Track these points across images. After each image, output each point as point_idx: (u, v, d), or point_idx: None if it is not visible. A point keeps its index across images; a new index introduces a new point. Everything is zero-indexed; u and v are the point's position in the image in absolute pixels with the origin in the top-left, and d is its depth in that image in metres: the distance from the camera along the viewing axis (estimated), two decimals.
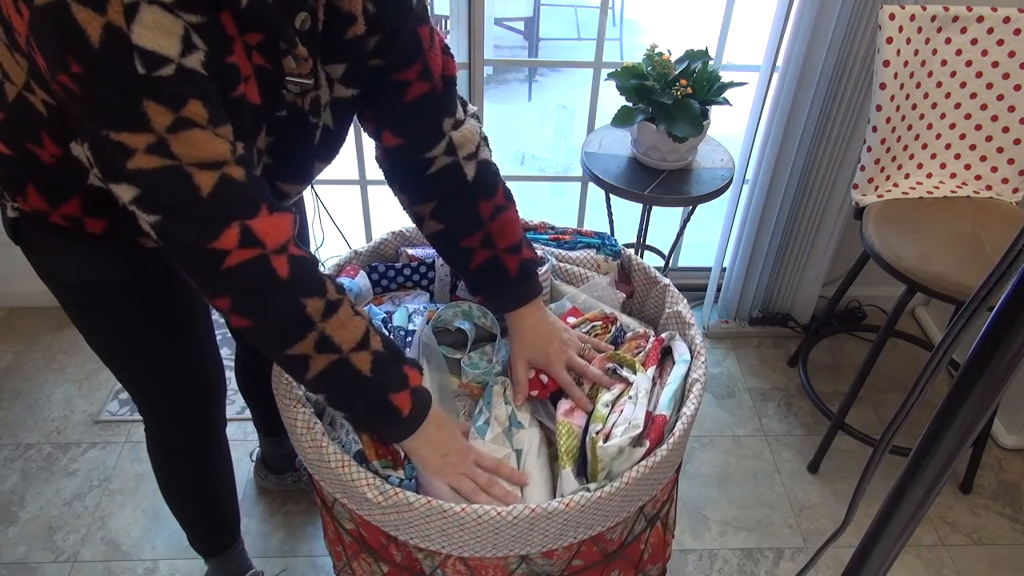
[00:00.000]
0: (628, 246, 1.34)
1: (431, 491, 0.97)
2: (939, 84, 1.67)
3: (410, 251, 1.30)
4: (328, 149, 1.03)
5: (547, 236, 1.32)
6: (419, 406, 0.96)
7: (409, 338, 1.13)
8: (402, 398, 0.94)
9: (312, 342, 0.87)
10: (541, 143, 3.79)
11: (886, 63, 1.55)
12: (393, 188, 1.14)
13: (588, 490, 0.93)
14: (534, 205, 3.28)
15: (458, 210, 1.07)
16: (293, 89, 0.90)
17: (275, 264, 0.83)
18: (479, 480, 0.98)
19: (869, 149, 1.65)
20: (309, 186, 1.08)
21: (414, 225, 1.31)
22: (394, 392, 0.93)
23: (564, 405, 1.05)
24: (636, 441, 0.96)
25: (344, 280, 1.21)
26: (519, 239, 1.09)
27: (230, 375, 1.53)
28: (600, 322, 1.15)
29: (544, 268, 1.20)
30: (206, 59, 0.76)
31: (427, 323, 1.16)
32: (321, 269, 0.92)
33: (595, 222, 2.14)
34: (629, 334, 1.17)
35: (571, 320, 1.15)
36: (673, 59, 1.76)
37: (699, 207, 1.91)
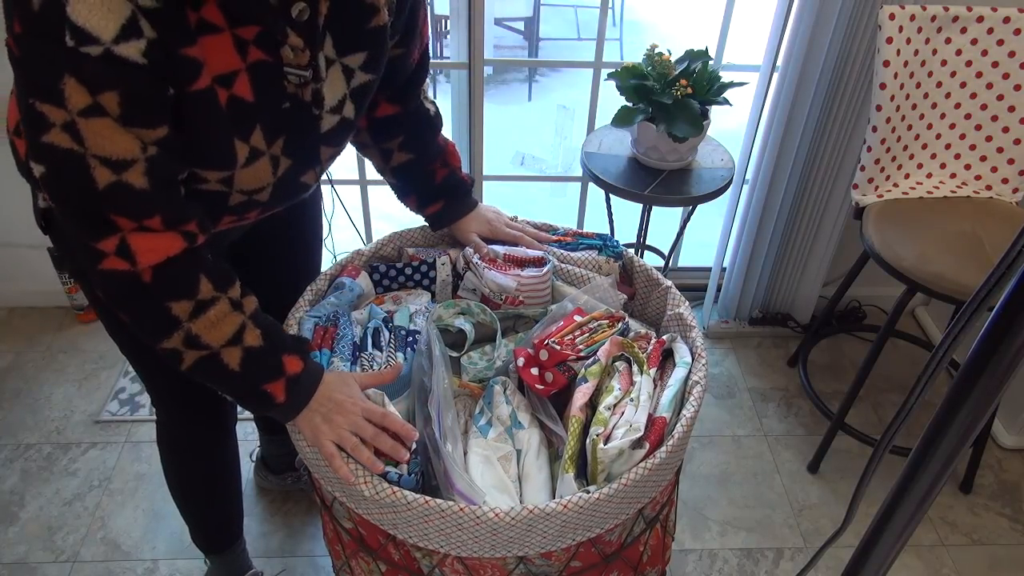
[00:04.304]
0: (628, 246, 1.34)
1: (313, 444, 0.98)
2: (939, 84, 1.67)
3: (411, 250, 1.30)
4: (341, 137, 1.03)
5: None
6: (296, 392, 0.97)
7: (411, 337, 1.13)
8: (276, 387, 0.96)
9: (180, 340, 0.90)
10: (541, 143, 3.79)
11: (886, 63, 1.55)
12: (357, 139, 1.23)
13: (587, 491, 0.93)
14: (534, 205, 3.28)
15: (424, 142, 1.23)
16: (293, 80, 0.90)
17: (143, 276, 0.86)
18: (365, 434, 0.97)
19: (869, 149, 1.65)
20: (324, 174, 1.08)
21: (412, 225, 1.33)
22: (267, 382, 0.96)
23: (579, 399, 1.04)
24: (636, 443, 0.96)
25: (345, 280, 1.21)
26: (460, 163, 1.30)
27: None
28: (606, 320, 1.15)
29: (546, 268, 1.20)
30: (149, 48, 0.76)
31: (430, 322, 1.16)
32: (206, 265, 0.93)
33: (595, 222, 2.14)
34: (631, 335, 1.17)
35: (577, 319, 1.15)
36: (673, 59, 1.76)
37: (699, 207, 1.91)
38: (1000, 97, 1.65)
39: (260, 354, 0.95)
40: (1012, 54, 1.61)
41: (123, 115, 0.77)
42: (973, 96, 1.67)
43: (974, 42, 1.62)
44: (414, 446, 1.00)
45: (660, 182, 1.78)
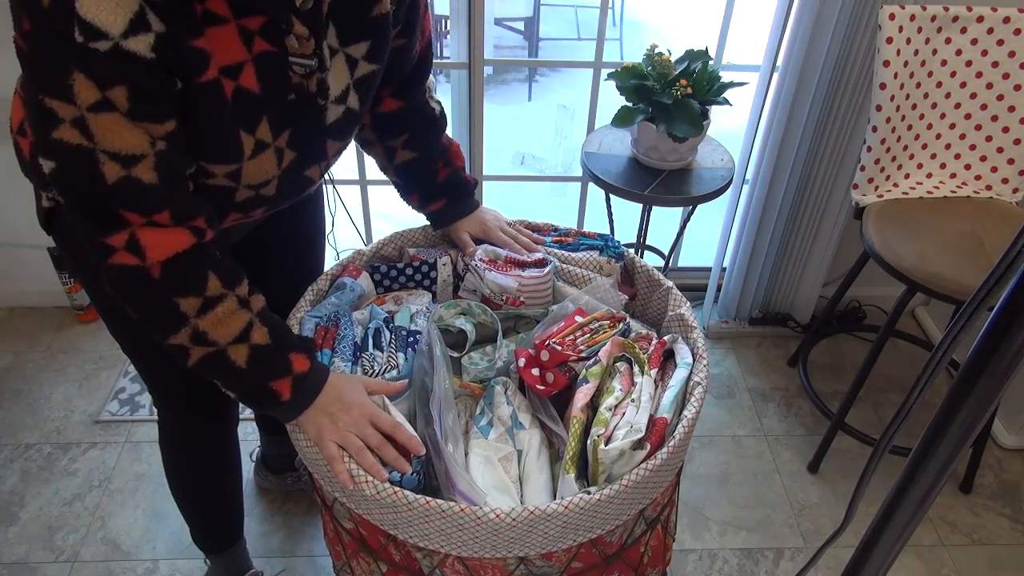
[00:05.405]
0: (628, 246, 1.34)
1: (321, 451, 0.97)
2: (939, 84, 1.67)
3: (412, 250, 1.30)
4: (346, 129, 1.03)
5: (550, 238, 1.32)
6: (302, 391, 0.97)
7: (412, 338, 1.13)
8: (282, 384, 0.96)
9: (187, 336, 0.90)
10: (541, 143, 3.79)
11: (886, 63, 1.55)
12: (361, 136, 1.24)
13: (588, 492, 0.93)
14: (534, 205, 3.29)
15: (428, 141, 1.24)
16: (298, 70, 0.90)
17: (151, 272, 0.87)
18: (371, 441, 0.97)
19: (869, 149, 1.65)
20: (328, 170, 1.08)
21: (413, 225, 1.33)
22: (273, 380, 0.96)
23: (580, 400, 1.04)
24: (637, 444, 0.96)
25: (346, 280, 1.21)
26: (464, 163, 1.31)
27: None
28: (607, 321, 1.15)
29: (547, 269, 1.20)
30: (158, 42, 0.76)
31: (431, 322, 1.16)
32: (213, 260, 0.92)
33: (595, 222, 2.14)
34: (632, 335, 1.17)
35: (578, 319, 1.15)
36: (673, 59, 1.76)
37: (699, 207, 1.91)
38: (1000, 97, 1.65)
39: (267, 352, 0.95)
40: (1012, 54, 1.61)
41: (132, 110, 0.78)
42: (973, 96, 1.67)
43: (974, 42, 1.62)
44: (419, 462, 1.00)
45: (660, 182, 1.78)
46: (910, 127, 1.69)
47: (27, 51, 0.75)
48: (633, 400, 1.03)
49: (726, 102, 1.74)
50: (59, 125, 0.77)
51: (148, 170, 0.81)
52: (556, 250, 1.28)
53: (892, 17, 1.53)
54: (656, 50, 1.75)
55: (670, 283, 1.23)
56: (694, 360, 1.09)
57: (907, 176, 1.76)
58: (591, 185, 1.99)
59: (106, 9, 0.72)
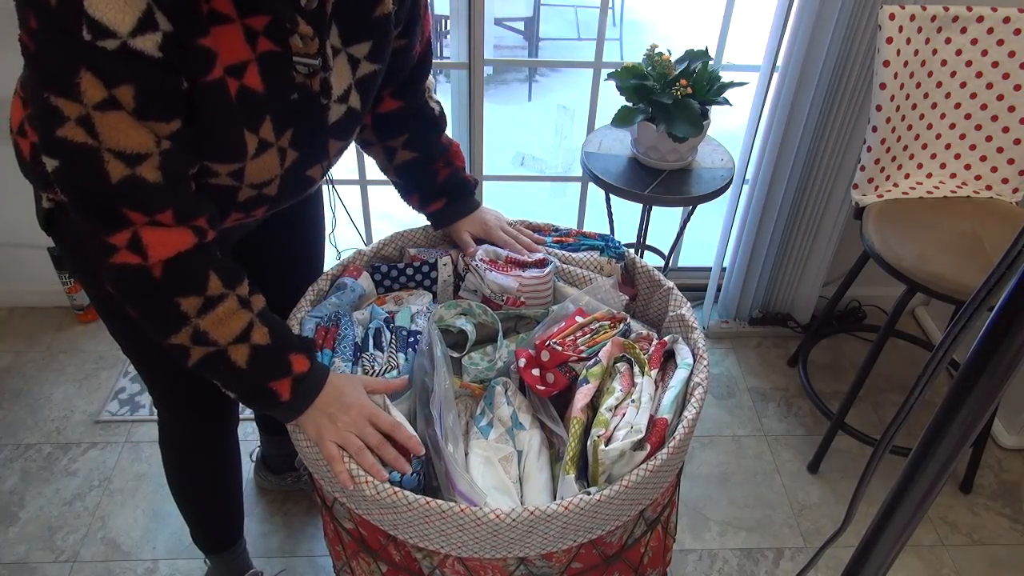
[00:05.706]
0: (628, 246, 1.34)
1: (321, 451, 0.97)
2: (939, 84, 1.67)
3: (413, 251, 1.30)
4: (348, 129, 1.03)
5: (550, 238, 1.32)
6: (301, 391, 0.97)
7: (412, 338, 1.13)
8: (282, 385, 0.96)
9: (187, 336, 0.90)
10: (541, 143, 3.79)
11: (886, 63, 1.55)
12: (361, 136, 1.24)
13: (588, 493, 0.93)
14: (534, 205, 3.28)
15: (428, 141, 1.24)
16: (301, 70, 0.90)
17: (153, 271, 0.86)
18: (370, 441, 0.97)
19: (869, 149, 1.65)
20: (329, 170, 1.09)
21: (414, 225, 1.33)
22: (273, 380, 0.96)
23: (580, 400, 1.04)
24: (637, 445, 0.96)
25: (347, 280, 1.21)
26: (464, 163, 1.31)
27: None
28: (608, 321, 1.15)
29: (548, 269, 1.20)
30: (165, 41, 0.76)
31: (432, 322, 1.16)
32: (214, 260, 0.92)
33: (595, 222, 2.14)
34: (632, 336, 1.17)
35: (579, 319, 1.15)
36: (673, 59, 1.76)
37: (699, 207, 1.91)
38: (1000, 97, 1.65)
39: (267, 352, 0.95)
40: (1012, 54, 1.61)
41: (138, 109, 0.78)
42: (973, 96, 1.67)
43: (974, 42, 1.62)
44: (419, 463, 1.00)
45: (660, 182, 1.78)
46: (910, 127, 1.69)
47: (33, 49, 0.75)
48: (633, 401, 1.03)
49: (726, 102, 1.74)
50: (64, 123, 0.77)
51: (152, 169, 0.81)
52: (557, 250, 1.28)
53: (892, 17, 1.53)
54: (656, 50, 1.75)
55: (671, 284, 1.23)
56: (694, 361, 1.09)
57: (907, 176, 1.76)
58: (591, 185, 1.99)
59: (115, 7, 0.72)
